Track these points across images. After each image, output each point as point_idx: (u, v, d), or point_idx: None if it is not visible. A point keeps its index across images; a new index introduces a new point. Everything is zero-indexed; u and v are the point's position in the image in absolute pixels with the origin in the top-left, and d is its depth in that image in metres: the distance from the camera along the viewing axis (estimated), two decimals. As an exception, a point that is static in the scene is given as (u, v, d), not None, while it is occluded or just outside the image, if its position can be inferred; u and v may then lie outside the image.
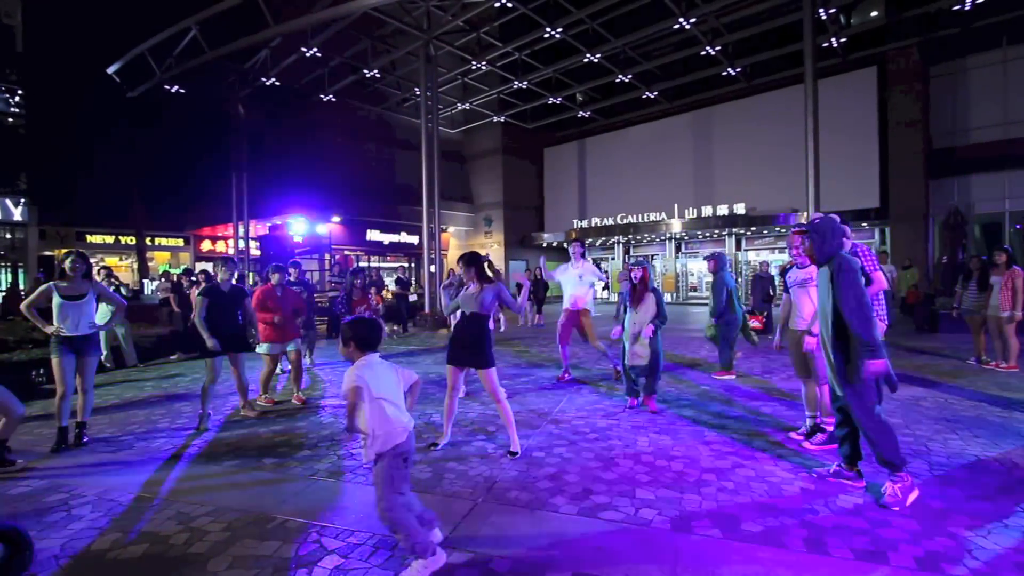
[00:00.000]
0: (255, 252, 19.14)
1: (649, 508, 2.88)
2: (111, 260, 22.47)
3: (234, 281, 5.09)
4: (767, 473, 3.33)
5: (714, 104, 20.55)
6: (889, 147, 16.54)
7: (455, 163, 24.12)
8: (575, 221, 24.06)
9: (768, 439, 3.99)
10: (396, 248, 22.19)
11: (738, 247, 20.35)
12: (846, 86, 17.15)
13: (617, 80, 18.78)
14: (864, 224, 17.44)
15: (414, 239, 21.65)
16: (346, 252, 20.88)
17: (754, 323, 9.49)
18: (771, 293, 10.58)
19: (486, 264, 3.97)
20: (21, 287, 17.33)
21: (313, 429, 4.54)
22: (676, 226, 20.34)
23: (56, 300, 4.20)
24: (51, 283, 4.28)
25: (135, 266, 22.08)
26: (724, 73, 18.23)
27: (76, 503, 3.12)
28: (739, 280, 18.96)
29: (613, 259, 23.58)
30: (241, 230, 19.12)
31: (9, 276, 19.81)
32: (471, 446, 3.98)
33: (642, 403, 4.87)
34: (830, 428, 3.64)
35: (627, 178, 22.85)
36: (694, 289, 22.32)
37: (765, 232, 19.59)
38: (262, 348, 5.39)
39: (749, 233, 19.92)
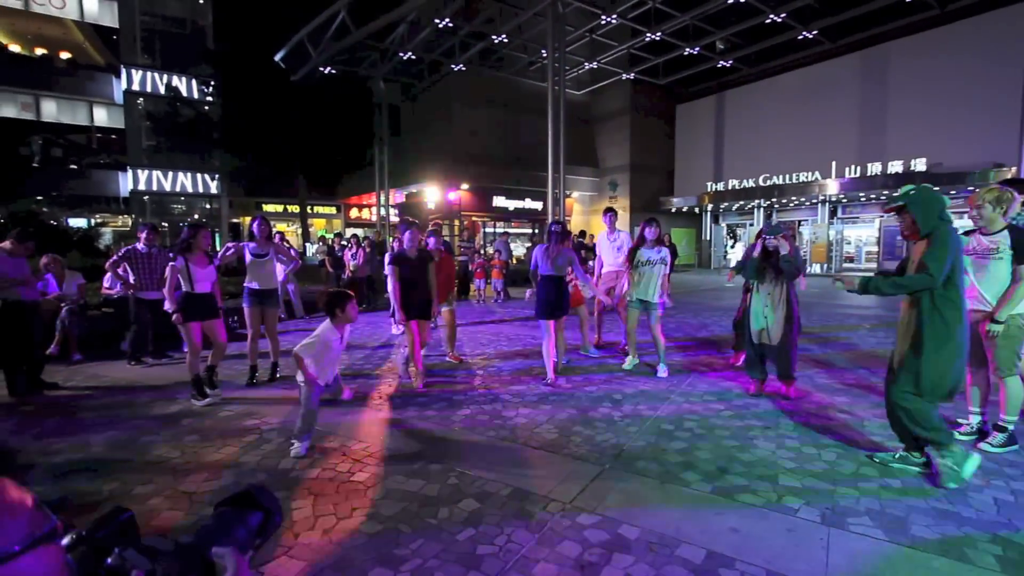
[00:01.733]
0: (394, 219, 20.85)
1: (795, 496, 2.65)
2: (281, 226, 26.12)
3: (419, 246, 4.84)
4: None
5: (891, 39, 17.25)
6: None
7: (581, 126, 23.53)
8: (709, 184, 22.29)
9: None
10: (521, 214, 22.58)
11: (913, 211, 17.25)
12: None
13: (768, 21, 16.55)
14: (1104, 180, 13.64)
15: (538, 205, 21.82)
16: (474, 218, 21.79)
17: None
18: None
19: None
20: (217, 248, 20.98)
21: (465, 379, 4.91)
22: (832, 187, 17.81)
23: (248, 257, 4.99)
24: (244, 243, 5.09)
25: (299, 231, 25.41)
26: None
27: (266, 428, 3.77)
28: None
29: (752, 225, 21.47)
30: (383, 198, 20.85)
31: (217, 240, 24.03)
32: (597, 411, 3.99)
33: (783, 392, 4.33)
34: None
35: (773, 134, 20.40)
36: (850, 260, 19.59)
37: (953, 193, 16.32)
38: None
39: (931, 194, 16.74)
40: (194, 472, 3.06)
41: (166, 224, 23.97)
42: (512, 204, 22.10)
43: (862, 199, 18.15)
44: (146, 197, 24.16)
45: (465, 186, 20.46)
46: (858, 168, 17.49)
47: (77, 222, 21.51)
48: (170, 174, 24.16)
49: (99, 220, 23.48)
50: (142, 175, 23.75)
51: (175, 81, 22.97)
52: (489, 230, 22.36)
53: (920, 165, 16.04)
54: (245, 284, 5.08)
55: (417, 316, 4.68)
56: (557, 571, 2.08)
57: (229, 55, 19.73)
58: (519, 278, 12.90)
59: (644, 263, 5.03)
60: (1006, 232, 3.10)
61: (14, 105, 22.67)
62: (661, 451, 3.24)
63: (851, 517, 2.45)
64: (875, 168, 17.00)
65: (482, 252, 17.86)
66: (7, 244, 4.52)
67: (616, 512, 2.52)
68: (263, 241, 5.12)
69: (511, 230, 21.09)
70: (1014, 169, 10.79)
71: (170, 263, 4.41)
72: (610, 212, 6.30)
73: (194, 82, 22.88)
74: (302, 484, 2.88)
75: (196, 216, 25.42)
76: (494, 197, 21.53)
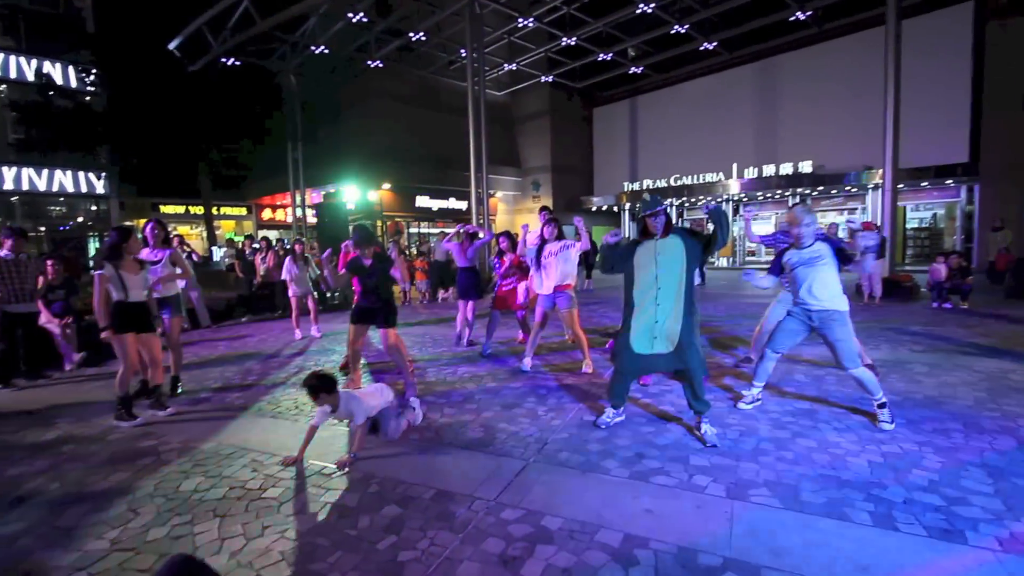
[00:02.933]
0: (311, 220, 19.86)
1: (703, 475, 2.83)
2: (183, 229, 23.99)
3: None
4: (830, 444, 3.19)
5: (779, 52, 19.03)
6: (985, 92, 14.79)
7: (502, 127, 23.74)
8: (625, 184, 23.36)
9: (840, 408, 3.80)
10: (445, 214, 22.36)
11: (802, 209, 19.11)
12: (933, 26, 15.39)
13: (672, 31, 17.61)
14: (949, 181, 15.92)
15: (463, 205, 21.73)
16: (396, 219, 21.29)
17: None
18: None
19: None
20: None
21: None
22: (734, 187, 19.35)
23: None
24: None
25: (204, 234, 23.47)
26: (792, 18, 16.66)
27: (164, 449, 3.43)
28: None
29: (665, 223, 22.76)
30: (298, 199, 19.79)
31: (97, 244, 21.54)
32: (522, 408, 4.03)
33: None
34: None
35: (682, 137, 21.78)
36: (752, 254, 21.34)
37: (833, 192, 18.30)
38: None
39: (815, 194, 18.66)
40: (73, 504, 2.72)
41: (43, 228, 21.20)
42: (436, 204, 21.84)
43: (759, 198, 19.82)
44: (14, 198, 21.18)
45: (387, 185, 19.95)
46: (756, 170, 19.10)
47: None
48: (45, 172, 21.32)
49: (-47, 225, 20.29)
50: (8, 173, 20.76)
51: (47, 67, 20.33)
52: (413, 231, 21.95)
53: (807, 167, 17.78)
54: None
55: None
56: (481, 569, 2.08)
57: (113, 41, 17.78)
58: (449, 279, 12.72)
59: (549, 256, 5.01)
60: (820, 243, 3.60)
61: None
62: (583, 442, 3.34)
63: (752, 489, 2.66)
64: (769, 170, 18.66)
65: (407, 253, 17.46)
66: None
67: (540, 504, 2.56)
68: (156, 246, 4.72)
69: (445, 230, 20.82)
70: (881, 171, 12.29)
71: (96, 272, 3.92)
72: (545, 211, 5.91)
73: (71, 69, 20.38)
74: (206, 506, 2.65)
75: (80, 219, 22.70)
76: (417, 197, 21.16)
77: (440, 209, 22.06)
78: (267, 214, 25.97)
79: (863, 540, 2.21)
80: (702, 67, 20.97)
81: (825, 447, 3.15)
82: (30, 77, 20.36)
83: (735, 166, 19.62)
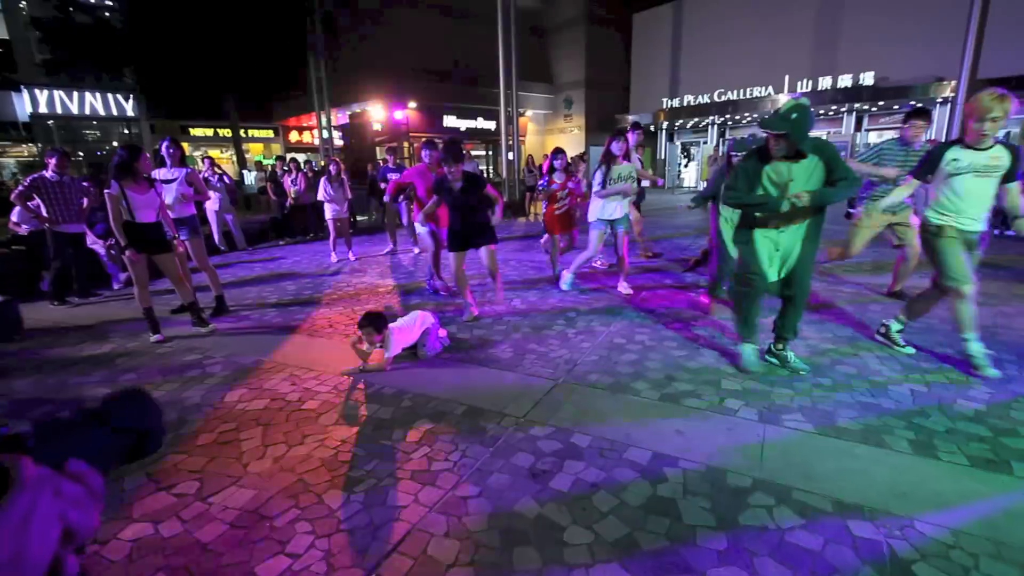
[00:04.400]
0: (338, 142, 19.53)
1: (735, 399, 2.80)
2: (213, 152, 24.05)
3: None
4: (871, 371, 3.09)
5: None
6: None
7: (534, 38, 22.15)
8: (664, 100, 21.85)
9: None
10: (473, 134, 21.65)
11: (858, 127, 17.63)
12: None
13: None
14: (1031, 93, 14.25)
15: (491, 125, 20.93)
16: (423, 140, 20.74)
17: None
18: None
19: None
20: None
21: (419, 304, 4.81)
22: (783, 102, 17.85)
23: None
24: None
25: (234, 158, 23.53)
26: None
27: (208, 363, 3.61)
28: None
29: (705, 143, 21.50)
30: (324, 119, 19.36)
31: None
32: (551, 330, 4.03)
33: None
34: None
35: (729, 47, 19.95)
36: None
37: (896, 107, 16.70)
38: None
39: (875, 110, 17.08)
40: (131, 411, 2.91)
41: (81, 154, 21.62)
42: (464, 124, 21.09)
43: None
44: (50, 122, 21.47)
45: (413, 104, 19.25)
46: (809, 82, 17.49)
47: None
48: (75, 94, 21.39)
49: (-2, 150, 20.87)
50: (41, 96, 20.92)
51: (63, -21, 19.66)
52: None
53: (868, 79, 16.17)
54: None
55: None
56: (511, 481, 2.14)
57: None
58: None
59: (616, 180, 4.82)
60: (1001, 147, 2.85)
61: None
62: (612, 364, 3.32)
63: (786, 414, 2.61)
64: (826, 82, 17.05)
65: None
66: None
67: (569, 423, 2.59)
68: (173, 165, 4.73)
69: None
70: (954, 83, 11.03)
71: (105, 191, 3.93)
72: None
73: (88, -19, 19.66)
74: (249, 416, 2.80)
75: (114, 143, 22.97)
76: (444, 117, 20.43)
77: (468, 129, 21.33)
78: (294, 136, 25.70)
79: (901, 467, 2.16)
80: (759, -37, 18.71)
81: (866, 374, 3.05)
82: (49, -9, 19.77)
83: (787, 78, 17.98)
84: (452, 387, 3.06)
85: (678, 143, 23.31)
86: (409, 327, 3.49)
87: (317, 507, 2.02)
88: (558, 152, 5.74)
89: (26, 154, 21.74)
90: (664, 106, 21.70)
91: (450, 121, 20.65)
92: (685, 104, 20.61)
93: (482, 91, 19.86)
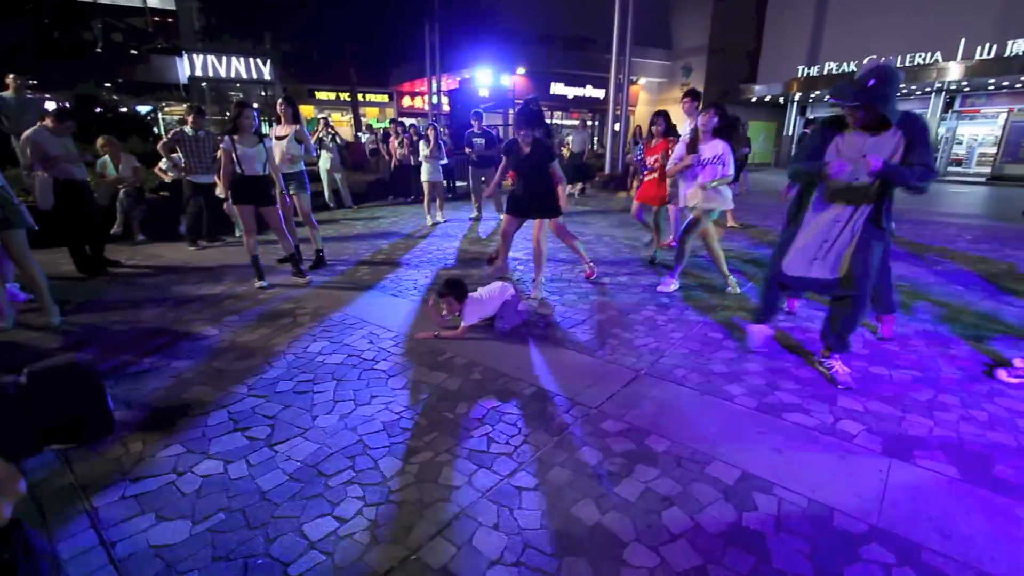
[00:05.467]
0: (447, 108, 19.86)
1: (854, 421, 2.34)
2: (335, 116, 25.69)
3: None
4: (1048, 410, 2.43)
5: None
6: None
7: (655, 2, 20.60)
8: (800, 68, 19.38)
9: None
10: (580, 103, 20.91)
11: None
12: None
13: None
14: None
15: (599, 93, 20.03)
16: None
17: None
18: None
19: None
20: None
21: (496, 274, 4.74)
22: (955, 71, 15.00)
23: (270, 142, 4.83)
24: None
25: (352, 120, 24.95)
26: None
27: (300, 313, 3.79)
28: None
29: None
30: (434, 85, 19.74)
31: (266, 128, 24.17)
32: (639, 314, 3.71)
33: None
34: None
35: (890, 4, 17.04)
36: (957, 163, 17.09)
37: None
38: None
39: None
40: (226, 351, 3.12)
41: (227, 113, 24.14)
42: (571, 91, 20.38)
43: (990, 87, 15.28)
44: (204, 84, 24.18)
45: (521, 70, 18.91)
46: (994, 47, 14.47)
47: (144, 108, 22.05)
48: (224, 59, 23.84)
49: (163, 107, 23.96)
50: (197, 60, 23.57)
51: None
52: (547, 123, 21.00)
53: (1077, 43, 13.04)
54: None
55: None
56: (571, 478, 1.95)
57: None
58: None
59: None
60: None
61: (70, -16, 22.45)
62: (705, 361, 2.96)
63: (919, 449, 2.13)
64: (1018, 47, 13.98)
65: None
66: (48, 123, 4.50)
67: (646, 421, 2.33)
68: (286, 122, 4.98)
69: (565, 122, 19.65)
70: None
71: (221, 145, 4.28)
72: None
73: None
74: (326, 369, 2.86)
75: (255, 105, 25.38)
76: (552, 84, 19.88)
77: (575, 97, 20.62)
78: (407, 101, 26.61)
79: (1087, 544, 1.64)
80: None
81: (1039, 413, 2.41)
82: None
83: (962, 43, 15.03)
84: (524, 365, 2.91)
85: (811, 118, 20.73)
86: (490, 298, 3.38)
87: (371, 472, 1.99)
88: (657, 116, 5.15)
89: (184, 111, 24.78)
90: (799, 75, 19.28)
91: (557, 88, 20.09)
92: (826, 72, 18.13)
93: (593, 57, 18.97)
